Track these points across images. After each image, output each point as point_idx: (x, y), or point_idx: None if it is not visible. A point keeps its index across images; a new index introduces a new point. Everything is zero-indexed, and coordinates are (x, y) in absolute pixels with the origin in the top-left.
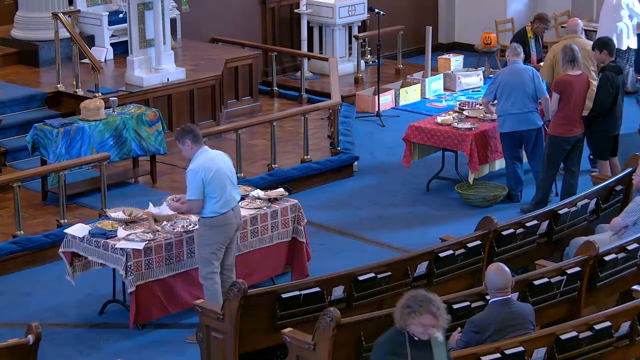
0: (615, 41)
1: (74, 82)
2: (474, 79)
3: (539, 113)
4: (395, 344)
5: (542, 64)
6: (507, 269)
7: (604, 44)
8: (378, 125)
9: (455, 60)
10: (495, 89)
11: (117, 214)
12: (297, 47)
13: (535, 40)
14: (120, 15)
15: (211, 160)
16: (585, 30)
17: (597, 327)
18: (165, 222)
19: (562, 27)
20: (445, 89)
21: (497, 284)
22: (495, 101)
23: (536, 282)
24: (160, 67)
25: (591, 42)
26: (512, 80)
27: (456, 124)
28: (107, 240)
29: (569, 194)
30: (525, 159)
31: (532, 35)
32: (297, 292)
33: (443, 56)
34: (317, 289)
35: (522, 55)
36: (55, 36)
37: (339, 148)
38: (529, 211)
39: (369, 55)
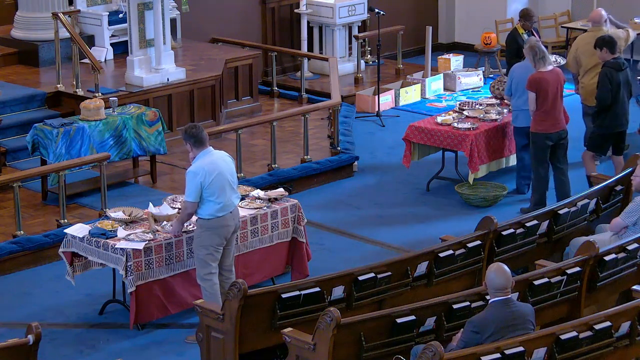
0: None
1: (74, 82)
2: (474, 79)
3: None
4: None
5: None
6: (507, 268)
7: (604, 42)
8: (378, 125)
9: (455, 60)
10: (509, 84)
11: (117, 214)
12: (297, 47)
13: (529, 35)
14: (120, 15)
15: (213, 163)
16: (584, 30)
17: (597, 327)
18: (165, 222)
19: (562, 27)
20: (445, 89)
21: (497, 284)
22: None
23: (536, 282)
24: (160, 67)
25: (620, 32)
26: (526, 76)
27: (456, 124)
28: (107, 240)
29: (563, 191)
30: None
31: (524, 32)
32: (297, 292)
33: (443, 56)
34: (317, 289)
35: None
36: (55, 36)
37: (339, 148)
38: (529, 212)
39: (369, 55)
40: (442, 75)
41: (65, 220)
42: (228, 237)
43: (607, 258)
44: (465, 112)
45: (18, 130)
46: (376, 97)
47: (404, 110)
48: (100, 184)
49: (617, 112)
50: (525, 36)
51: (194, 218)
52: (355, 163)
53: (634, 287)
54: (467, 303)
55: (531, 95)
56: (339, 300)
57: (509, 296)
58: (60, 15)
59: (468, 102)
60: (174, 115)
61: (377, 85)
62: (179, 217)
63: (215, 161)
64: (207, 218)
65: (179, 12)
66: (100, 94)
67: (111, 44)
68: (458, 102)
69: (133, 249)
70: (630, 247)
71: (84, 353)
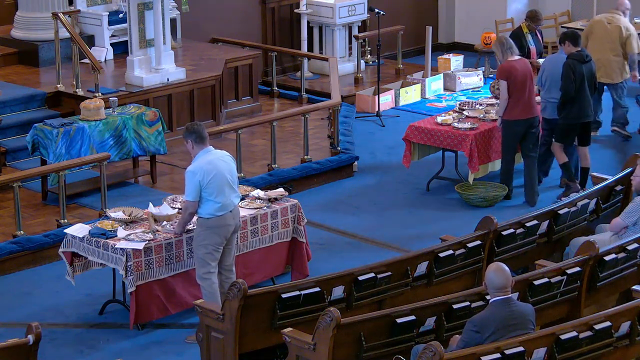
0: None
1: (74, 82)
2: (474, 79)
3: None
4: None
5: (540, 60)
6: (506, 268)
7: (566, 36)
8: (378, 125)
9: (455, 60)
10: (541, 75)
11: (117, 214)
12: (297, 47)
13: (533, 35)
14: (120, 15)
15: (211, 163)
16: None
17: (597, 327)
18: (165, 222)
19: (562, 27)
20: (445, 89)
21: (497, 283)
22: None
23: (536, 282)
24: (160, 67)
25: (628, 22)
26: (554, 69)
27: (456, 124)
28: (107, 240)
29: (530, 180)
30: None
31: (528, 32)
32: (297, 292)
33: (443, 56)
34: (317, 289)
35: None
36: (55, 36)
37: (339, 148)
38: None
39: (369, 55)
40: (442, 75)
41: (65, 220)
42: (228, 237)
43: (607, 258)
44: (465, 112)
45: (18, 130)
46: (376, 97)
47: (404, 110)
48: (100, 184)
49: (582, 103)
50: (529, 36)
51: (194, 218)
52: (355, 163)
53: (634, 287)
54: (467, 303)
55: (502, 84)
56: (339, 300)
57: (510, 295)
58: (60, 15)
59: (468, 102)
60: (174, 115)
61: (377, 85)
62: (181, 218)
63: (214, 161)
64: (207, 217)
65: (179, 12)
66: (100, 94)
67: (111, 44)
68: (458, 102)
69: (133, 249)
70: (630, 247)
71: (84, 353)
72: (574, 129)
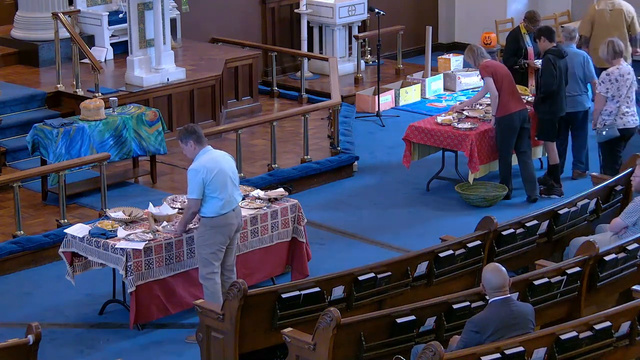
0: None
1: (74, 82)
2: (473, 79)
3: (587, 96)
4: None
5: (537, 62)
6: (502, 268)
7: (541, 32)
8: (378, 125)
9: (455, 60)
10: None
11: (117, 214)
12: (297, 47)
13: (531, 36)
14: (120, 15)
15: (213, 161)
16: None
17: (597, 327)
18: (165, 222)
19: (561, 27)
20: (445, 89)
21: (494, 284)
22: None
23: (536, 282)
24: (160, 67)
25: (628, 5)
26: (570, 62)
27: (456, 124)
28: (107, 240)
29: (529, 174)
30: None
31: (526, 33)
32: (297, 292)
33: (443, 56)
34: (317, 289)
35: (577, 38)
36: (55, 36)
37: (339, 148)
38: None
39: (369, 55)
40: (442, 75)
41: (65, 220)
42: (231, 236)
43: (607, 258)
44: (465, 112)
45: (18, 130)
46: (376, 97)
47: (404, 110)
48: (100, 184)
49: (562, 97)
50: (527, 37)
51: (196, 218)
52: (355, 163)
53: (634, 287)
54: (467, 303)
55: (489, 81)
56: (339, 300)
57: (508, 295)
58: (60, 15)
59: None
60: (174, 115)
61: (377, 85)
62: (183, 217)
63: (216, 158)
64: (211, 216)
65: (179, 12)
66: (100, 94)
67: (111, 44)
68: (458, 102)
69: (133, 249)
70: (630, 247)
71: (84, 353)
72: (554, 124)
